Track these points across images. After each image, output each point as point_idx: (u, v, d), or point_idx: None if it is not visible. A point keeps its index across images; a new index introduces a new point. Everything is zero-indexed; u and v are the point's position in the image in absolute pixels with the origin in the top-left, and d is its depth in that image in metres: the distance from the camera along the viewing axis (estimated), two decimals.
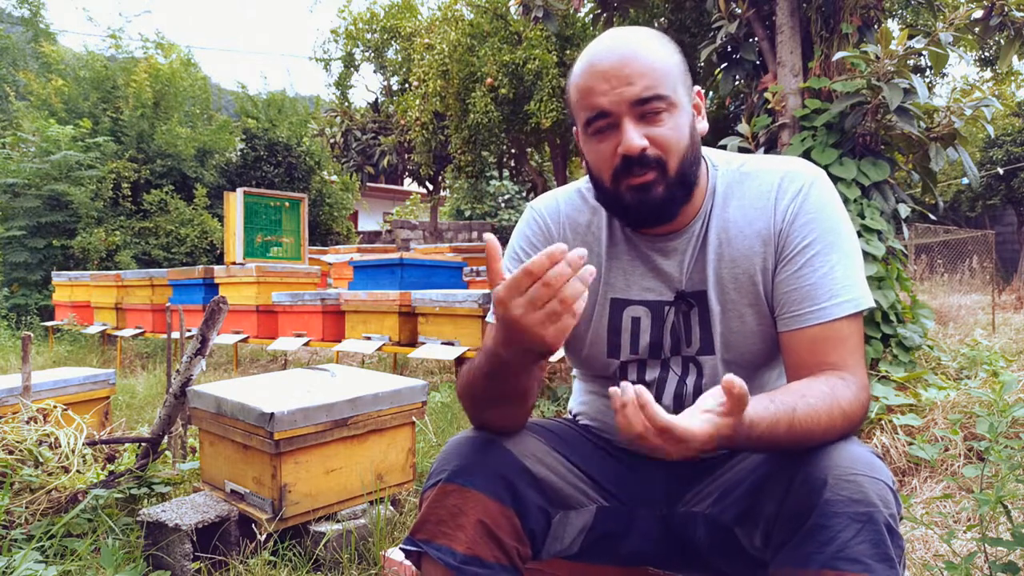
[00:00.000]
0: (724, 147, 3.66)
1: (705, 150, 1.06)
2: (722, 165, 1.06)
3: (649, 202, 0.96)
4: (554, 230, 1.10)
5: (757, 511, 0.93)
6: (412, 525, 0.94)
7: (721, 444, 0.79)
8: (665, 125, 0.94)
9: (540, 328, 0.78)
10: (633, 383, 1.07)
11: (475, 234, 13.80)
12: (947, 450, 2.39)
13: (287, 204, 6.30)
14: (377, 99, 14.58)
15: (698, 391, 1.05)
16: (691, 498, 1.05)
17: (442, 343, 3.83)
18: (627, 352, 1.08)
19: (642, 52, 0.94)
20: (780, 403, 0.84)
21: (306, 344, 4.59)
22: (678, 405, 1.07)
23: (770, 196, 1.01)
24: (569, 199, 1.12)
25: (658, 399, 1.06)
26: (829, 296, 0.95)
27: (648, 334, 1.06)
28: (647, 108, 0.93)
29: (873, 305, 0.98)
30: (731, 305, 1.02)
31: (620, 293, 1.07)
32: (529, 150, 10.64)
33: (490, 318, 1.08)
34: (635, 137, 0.93)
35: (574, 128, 1.05)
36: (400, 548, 0.96)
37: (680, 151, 0.96)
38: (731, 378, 0.74)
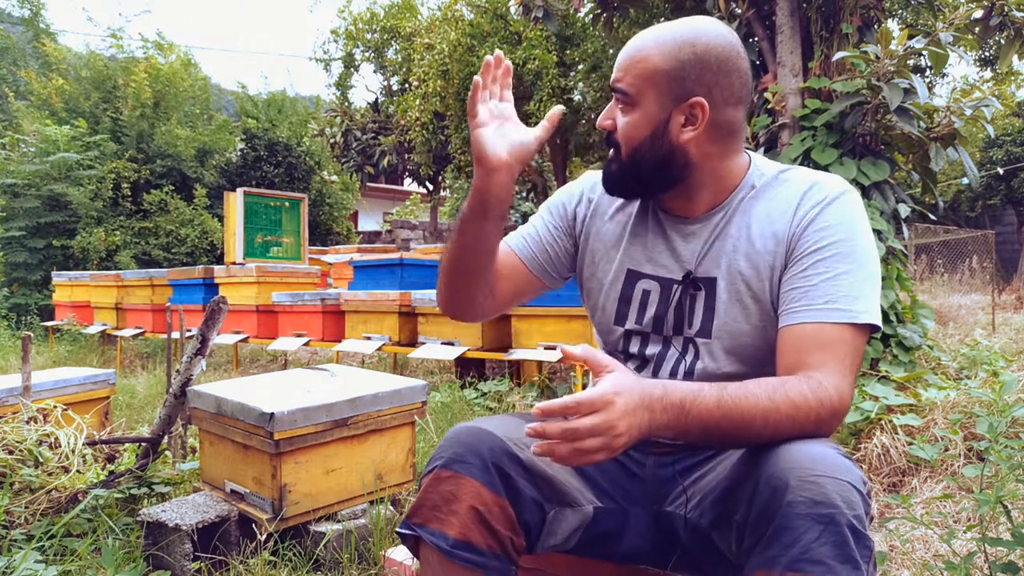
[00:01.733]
0: None
1: (752, 155, 1.11)
2: (764, 168, 1.09)
3: (607, 174, 1.10)
4: (588, 195, 1.20)
5: (730, 515, 0.93)
6: (408, 510, 0.96)
7: (649, 421, 0.83)
8: (624, 117, 1.04)
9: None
10: (635, 356, 1.12)
11: None
12: (947, 450, 2.39)
13: (287, 204, 6.30)
14: (377, 99, 14.58)
15: (690, 373, 1.07)
16: (675, 499, 1.06)
17: (442, 343, 3.84)
18: (632, 321, 1.11)
19: (637, 51, 1.02)
20: (709, 383, 0.89)
21: (306, 344, 4.60)
22: None
23: (794, 200, 1.03)
24: None
25: (655, 375, 1.10)
26: (826, 300, 0.95)
27: (654, 307, 1.10)
28: (616, 96, 1.05)
29: (879, 325, 0.95)
30: (737, 296, 1.04)
31: (636, 265, 1.12)
32: None
33: (508, 239, 1.20)
34: (603, 116, 1.08)
35: None
36: (396, 531, 0.98)
37: (629, 146, 1.04)
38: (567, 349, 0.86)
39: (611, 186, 1.11)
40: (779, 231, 1.02)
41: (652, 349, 1.11)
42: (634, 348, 1.13)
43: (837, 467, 0.81)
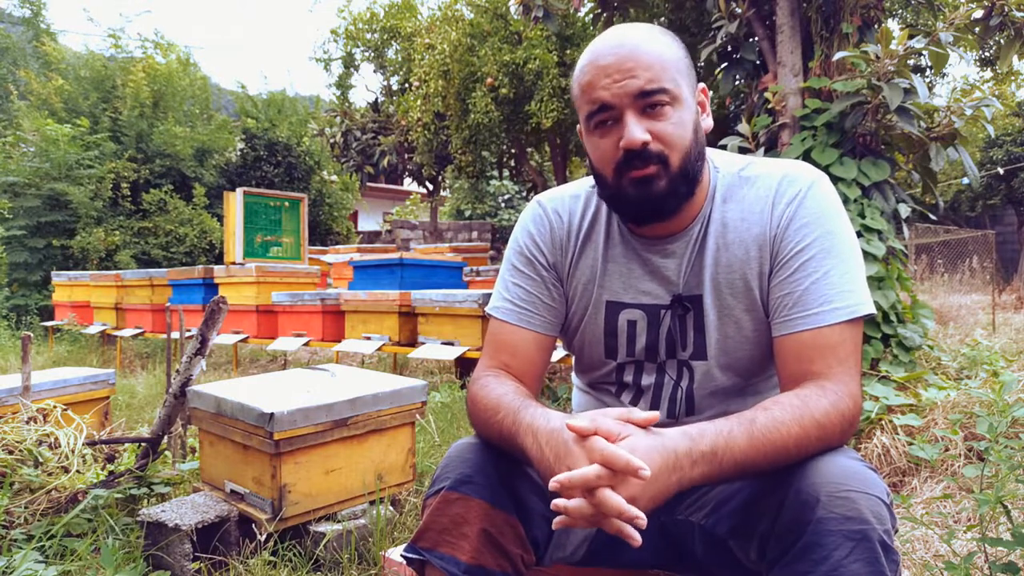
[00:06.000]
0: (724, 147, 3.65)
1: (708, 151, 1.06)
2: (724, 167, 1.05)
3: (651, 196, 0.95)
4: (556, 226, 1.10)
5: (751, 526, 0.92)
6: (414, 532, 0.93)
7: (678, 480, 0.80)
8: (668, 120, 0.94)
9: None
10: (629, 385, 1.09)
11: (475, 234, 13.78)
12: (947, 450, 2.39)
13: (287, 204, 6.29)
14: (377, 99, 14.57)
15: (690, 396, 1.06)
16: (687, 507, 1.05)
17: (442, 343, 3.83)
18: (623, 355, 1.08)
19: (645, 46, 0.94)
20: (735, 417, 0.85)
21: (306, 344, 4.59)
22: (671, 411, 1.07)
23: (767, 200, 1.00)
24: (574, 197, 1.12)
25: (655, 405, 1.08)
26: (820, 302, 0.93)
27: (644, 337, 1.06)
28: (650, 101, 0.93)
29: (873, 311, 0.95)
30: (727, 310, 1.01)
31: (615, 296, 1.07)
32: (529, 150, 10.64)
33: (490, 310, 1.10)
34: (637, 131, 0.92)
35: (578, 126, 1.05)
36: (402, 555, 0.95)
37: (683, 146, 0.95)
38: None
39: (660, 207, 0.97)
40: (758, 235, 0.99)
41: (648, 379, 1.08)
42: (628, 377, 1.10)
43: (867, 481, 0.80)
